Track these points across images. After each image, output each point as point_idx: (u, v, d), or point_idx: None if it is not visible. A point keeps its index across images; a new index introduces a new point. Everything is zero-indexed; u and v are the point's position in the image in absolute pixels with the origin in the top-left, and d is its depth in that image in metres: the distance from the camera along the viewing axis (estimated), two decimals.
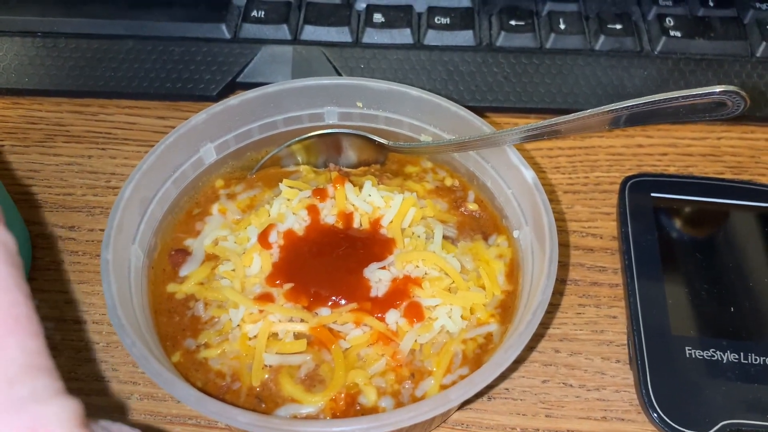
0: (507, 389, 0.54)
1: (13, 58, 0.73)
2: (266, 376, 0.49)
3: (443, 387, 0.48)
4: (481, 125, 0.55)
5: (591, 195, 0.67)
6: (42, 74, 0.73)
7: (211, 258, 0.55)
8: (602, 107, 0.48)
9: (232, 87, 0.72)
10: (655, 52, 0.73)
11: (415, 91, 0.57)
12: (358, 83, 0.58)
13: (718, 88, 0.44)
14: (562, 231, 0.64)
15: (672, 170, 0.68)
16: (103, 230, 0.62)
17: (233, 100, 0.57)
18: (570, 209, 0.65)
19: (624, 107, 0.47)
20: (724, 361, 0.53)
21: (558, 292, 0.60)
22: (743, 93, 0.44)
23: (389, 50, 0.72)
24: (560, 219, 0.64)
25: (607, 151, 0.70)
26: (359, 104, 0.59)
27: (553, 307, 0.59)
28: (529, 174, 0.52)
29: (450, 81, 0.71)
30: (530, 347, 0.57)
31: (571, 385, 0.55)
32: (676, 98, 0.46)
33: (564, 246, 0.63)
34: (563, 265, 0.62)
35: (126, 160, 0.69)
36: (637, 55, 0.73)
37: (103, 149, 0.70)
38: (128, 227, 0.51)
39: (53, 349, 0.56)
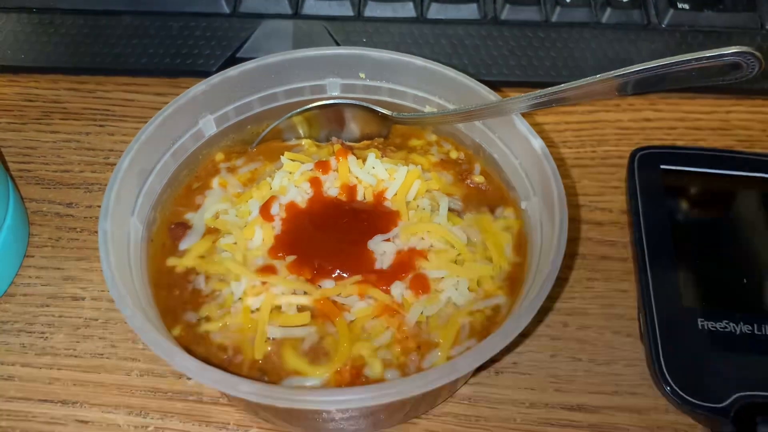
0: (515, 363, 0.53)
1: (8, 35, 0.72)
2: (269, 348, 0.47)
3: (450, 359, 0.47)
4: (487, 94, 0.54)
5: (599, 169, 0.65)
6: (38, 51, 0.71)
7: (212, 232, 0.54)
8: (611, 72, 0.46)
9: (232, 62, 0.70)
10: (663, 25, 0.71)
11: (419, 61, 0.56)
12: (360, 53, 0.57)
13: (731, 49, 0.43)
14: (571, 205, 0.62)
15: (681, 144, 0.67)
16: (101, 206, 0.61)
17: (232, 71, 0.56)
18: (578, 183, 0.64)
19: (634, 71, 0.46)
20: (737, 333, 0.52)
21: (566, 266, 0.59)
22: (758, 54, 0.42)
23: (392, 24, 0.71)
24: (569, 193, 0.62)
25: (615, 125, 0.68)
26: (362, 75, 0.58)
27: (561, 281, 0.58)
28: (537, 142, 0.51)
29: (454, 55, 0.69)
30: (538, 321, 0.55)
31: (580, 360, 0.54)
32: (688, 61, 0.44)
33: (573, 220, 0.61)
34: (572, 240, 0.60)
35: (124, 137, 0.68)
36: (644, 28, 0.71)
37: (101, 126, 0.68)
38: (126, 199, 0.50)
39: (50, 326, 0.55)
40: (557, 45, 0.70)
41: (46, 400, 0.51)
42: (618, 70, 0.46)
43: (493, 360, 0.53)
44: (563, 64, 0.70)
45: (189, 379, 0.52)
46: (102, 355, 0.54)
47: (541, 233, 0.49)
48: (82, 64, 0.71)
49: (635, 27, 0.71)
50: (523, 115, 0.52)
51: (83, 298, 0.57)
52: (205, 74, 0.69)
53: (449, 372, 0.39)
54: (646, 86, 0.48)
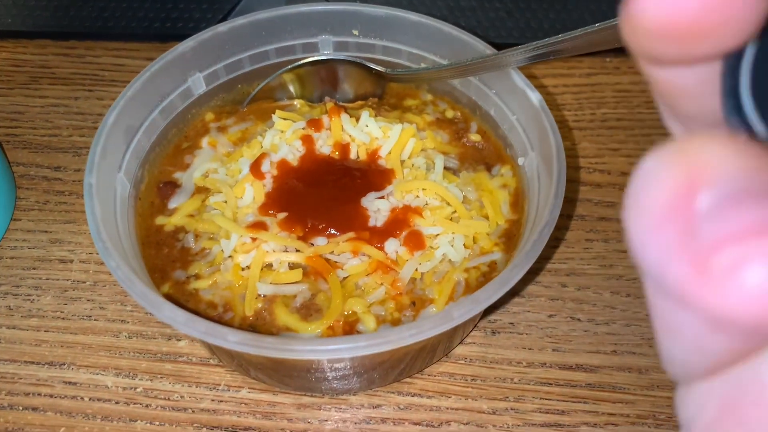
0: (512, 323, 0.52)
1: None
2: (260, 305, 0.46)
3: None
4: (484, 49, 0.52)
5: (598, 131, 0.64)
6: (25, 15, 0.70)
7: (202, 191, 0.53)
8: (611, 20, 0.45)
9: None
10: None
11: (414, 16, 0.55)
12: (354, 9, 0.55)
13: None
14: (570, 167, 0.60)
15: None
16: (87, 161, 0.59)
17: (222, 27, 0.54)
18: (577, 145, 0.63)
19: None
20: None
21: (564, 227, 0.57)
22: None
23: None
24: (568, 155, 0.61)
25: (614, 87, 0.67)
26: (355, 32, 0.57)
27: (558, 242, 0.56)
28: (535, 96, 0.49)
29: (450, 16, 0.68)
30: (535, 281, 0.54)
31: (579, 319, 0.52)
32: None
33: (572, 181, 0.60)
34: (570, 201, 0.59)
35: (114, 101, 0.66)
36: None
37: (90, 91, 0.67)
38: (113, 154, 0.49)
39: (37, 288, 0.54)
40: (555, 6, 0.69)
41: (32, 362, 0.50)
42: (618, 18, 0.44)
43: (490, 320, 0.52)
44: (562, 26, 0.68)
45: (179, 340, 0.51)
46: (90, 317, 0.53)
47: (538, 187, 0.48)
48: (70, 29, 0.69)
49: None
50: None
51: (71, 261, 0.56)
52: None
53: (444, 320, 0.38)
54: None
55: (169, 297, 0.47)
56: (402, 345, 0.38)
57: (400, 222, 0.49)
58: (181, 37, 0.68)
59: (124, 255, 0.44)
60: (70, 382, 0.49)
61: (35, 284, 0.54)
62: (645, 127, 0.64)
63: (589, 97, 0.66)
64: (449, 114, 0.58)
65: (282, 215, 0.49)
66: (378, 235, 0.49)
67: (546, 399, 0.49)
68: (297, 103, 0.59)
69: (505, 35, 0.68)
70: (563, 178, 0.45)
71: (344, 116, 0.54)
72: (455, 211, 0.50)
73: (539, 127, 0.49)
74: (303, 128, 0.54)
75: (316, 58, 0.57)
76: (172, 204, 0.52)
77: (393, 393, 0.49)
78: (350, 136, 0.54)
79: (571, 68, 0.68)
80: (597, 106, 0.66)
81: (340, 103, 0.59)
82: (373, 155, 0.53)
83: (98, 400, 0.49)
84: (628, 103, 0.66)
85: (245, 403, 0.48)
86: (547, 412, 0.48)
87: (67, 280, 0.54)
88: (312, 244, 0.48)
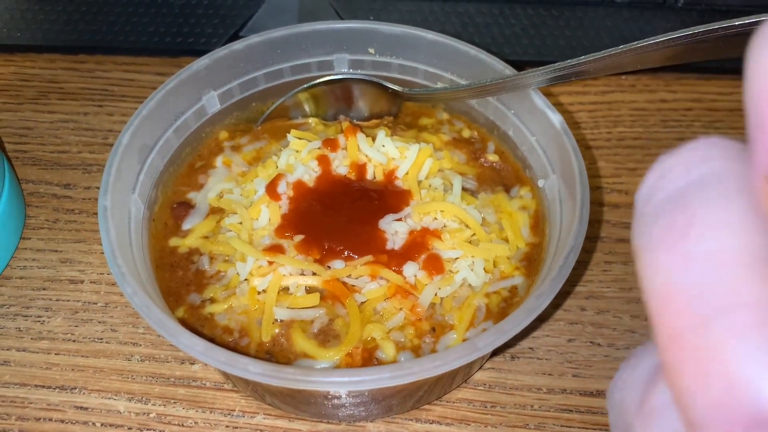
0: (531, 348, 0.51)
1: (3, 12, 0.69)
2: (277, 331, 0.45)
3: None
4: (503, 69, 0.52)
5: (614, 150, 0.63)
6: (35, 29, 0.69)
7: (216, 211, 0.52)
8: (633, 43, 0.44)
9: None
10: (679, 4, 0.69)
11: (431, 35, 0.54)
12: (370, 27, 0.55)
13: (761, 17, 0.41)
14: (589, 187, 0.60)
15: (697, 125, 0.65)
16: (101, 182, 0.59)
17: (237, 45, 0.54)
18: (593, 165, 0.62)
19: (657, 42, 0.44)
20: None
21: (584, 249, 0.56)
22: None
23: (400, 1, 0.69)
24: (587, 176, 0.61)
25: (630, 106, 0.66)
26: (371, 50, 0.56)
27: (579, 264, 0.55)
28: (556, 118, 0.49)
29: (464, 33, 0.67)
30: (555, 305, 0.53)
31: (599, 344, 0.52)
32: (716, 30, 0.42)
33: (591, 203, 0.59)
34: (591, 222, 0.58)
35: (124, 117, 0.65)
36: (660, 7, 0.69)
37: (99, 106, 0.66)
38: (127, 175, 0.48)
39: (47, 309, 0.53)
40: (571, 24, 0.68)
41: (43, 386, 0.49)
42: (642, 41, 0.44)
43: (509, 344, 0.51)
44: (578, 43, 0.67)
45: (192, 364, 0.50)
46: (101, 339, 0.52)
47: (560, 211, 0.47)
48: (80, 43, 0.69)
49: (651, 5, 0.69)
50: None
51: (81, 281, 0.55)
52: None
53: (469, 351, 0.37)
54: (669, 59, 0.46)
55: (183, 322, 0.46)
56: (427, 376, 0.37)
57: (418, 245, 0.48)
58: (192, 52, 0.68)
59: (140, 280, 0.43)
60: (81, 407, 0.48)
61: (45, 305, 0.53)
62: (661, 147, 0.63)
63: (605, 115, 0.66)
64: (466, 133, 0.57)
65: (299, 238, 0.48)
66: (396, 259, 0.48)
67: (567, 426, 0.48)
68: (312, 121, 0.58)
69: (521, 52, 0.67)
70: (587, 203, 0.44)
71: (360, 136, 0.53)
72: (474, 234, 0.49)
73: (561, 149, 0.48)
74: (319, 148, 0.53)
75: (331, 78, 0.56)
76: (186, 225, 0.51)
77: (411, 420, 0.48)
78: (367, 156, 0.53)
79: (587, 86, 0.67)
80: (613, 124, 0.65)
81: (355, 122, 0.58)
82: (390, 176, 0.52)
83: (110, 425, 0.48)
84: (645, 122, 0.65)
85: (260, 430, 0.47)
86: None
87: (78, 301, 0.54)
88: (329, 267, 0.48)
